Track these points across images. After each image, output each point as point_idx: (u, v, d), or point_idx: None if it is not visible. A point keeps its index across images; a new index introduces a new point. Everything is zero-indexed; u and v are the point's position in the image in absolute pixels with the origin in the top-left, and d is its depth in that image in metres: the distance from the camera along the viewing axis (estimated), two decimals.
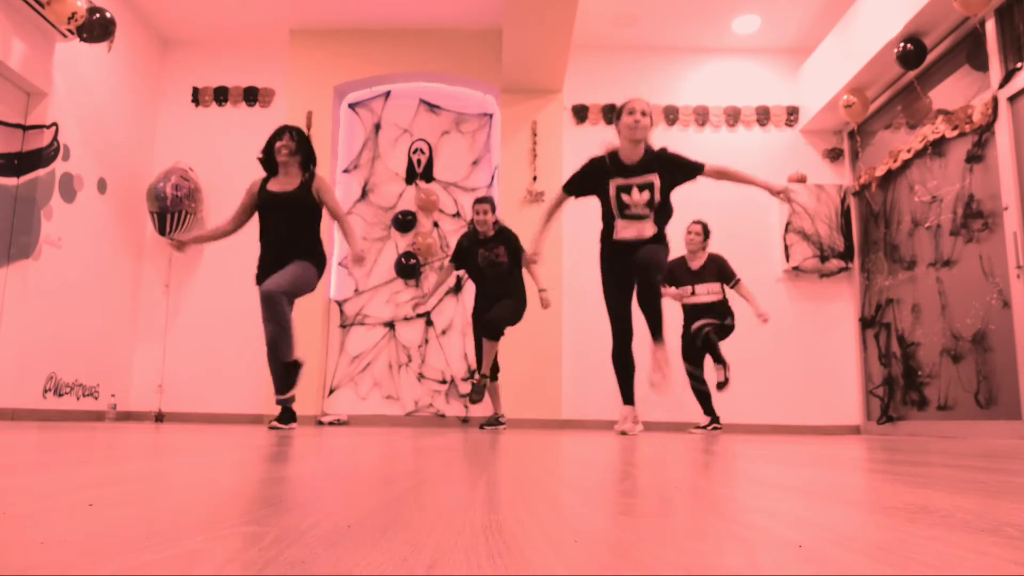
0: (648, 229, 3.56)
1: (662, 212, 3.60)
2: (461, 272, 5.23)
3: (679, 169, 3.62)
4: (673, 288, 5.03)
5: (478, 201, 4.78)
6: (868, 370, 5.91)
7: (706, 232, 5.07)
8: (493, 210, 4.78)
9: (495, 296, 4.66)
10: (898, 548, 0.52)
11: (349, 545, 0.49)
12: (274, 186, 3.85)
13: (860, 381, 5.99)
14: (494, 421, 4.86)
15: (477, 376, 4.61)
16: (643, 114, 3.52)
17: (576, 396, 5.93)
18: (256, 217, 3.92)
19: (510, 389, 5.65)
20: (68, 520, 0.58)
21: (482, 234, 4.75)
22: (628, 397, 3.71)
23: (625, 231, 3.58)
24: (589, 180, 3.67)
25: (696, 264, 5.04)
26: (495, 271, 4.69)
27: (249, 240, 4.01)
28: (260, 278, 3.77)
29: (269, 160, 3.88)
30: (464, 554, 0.47)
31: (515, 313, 4.64)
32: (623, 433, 3.62)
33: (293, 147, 3.81)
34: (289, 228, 3.79)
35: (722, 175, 3.73)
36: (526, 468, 1.29)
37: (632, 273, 3.55)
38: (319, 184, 3.89)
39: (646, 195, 3.54)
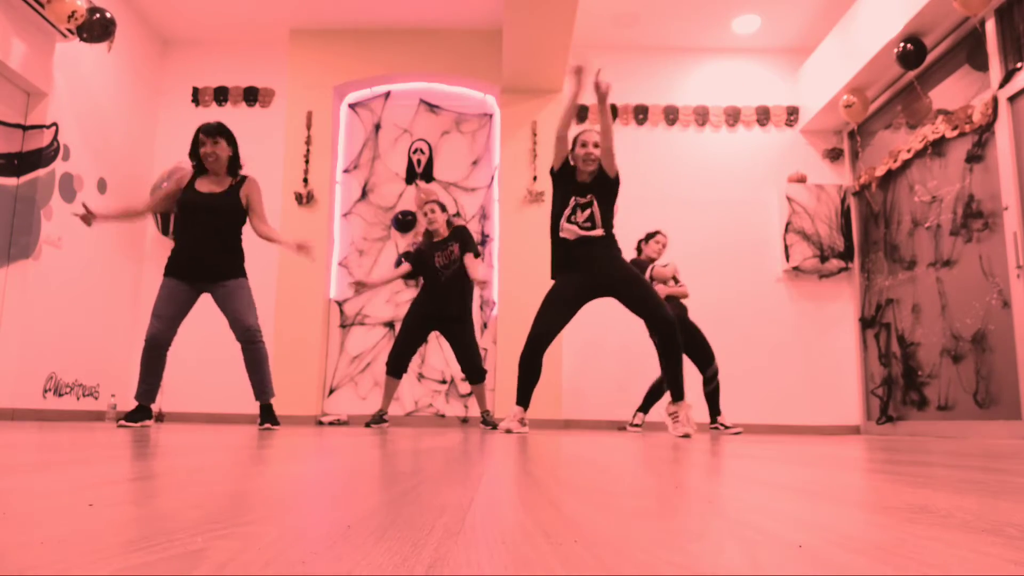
0: (592, 232, 3.72)
1: (607, 219, 3.77)
2: (417, 279, 5.09)
3: (611, 187, 3.80)
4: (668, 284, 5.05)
5: (424, 203, 4.89)
6: (868, 370, 5.91)
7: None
8: (443, 209, 4.86)
9: (448, 295, 4.71)
10: (898, 548, 0.52)
11: (349, 545, 0.50)
12: (202, 186, 3.75)
13: (860, 381, 5.99)
14: (489, 422, 4.82)
15: (485, 416, 4.83)
16: (595, 146, 3.78)
17: (576, 396, 5.93)
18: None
19: (510, 389, 5.65)
20: (68, 520, 0.58)
21: (437, 236, 4.81)
22: (524, 399, 3.74)
23: (566, 232, 3.74)
24: (564, 176, 3.83)
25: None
26: (451, 269, 4.73)
27: (252, 241, 3.99)
28: (178, 272, 3.69)
29: (199, 161, 3.79)
30: (464, 554, 0.47)
31: (475, 341, 4.80)
32: (508, 431, 3.63)
33: (223, 158, 3.73)
34: (212, 232, 3.71)
35: (603, 137, 3.71)
36: (526, 468, 1.29)
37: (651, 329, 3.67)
38: (249, 188, 3.80)
39: (588, 212, 3.76)
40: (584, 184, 3.79)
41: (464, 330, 4.75)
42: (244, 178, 3.83)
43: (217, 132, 3.72)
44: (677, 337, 3.60)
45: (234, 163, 3.81)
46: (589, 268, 3.69)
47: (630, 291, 3.65)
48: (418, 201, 6.28)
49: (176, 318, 3.70)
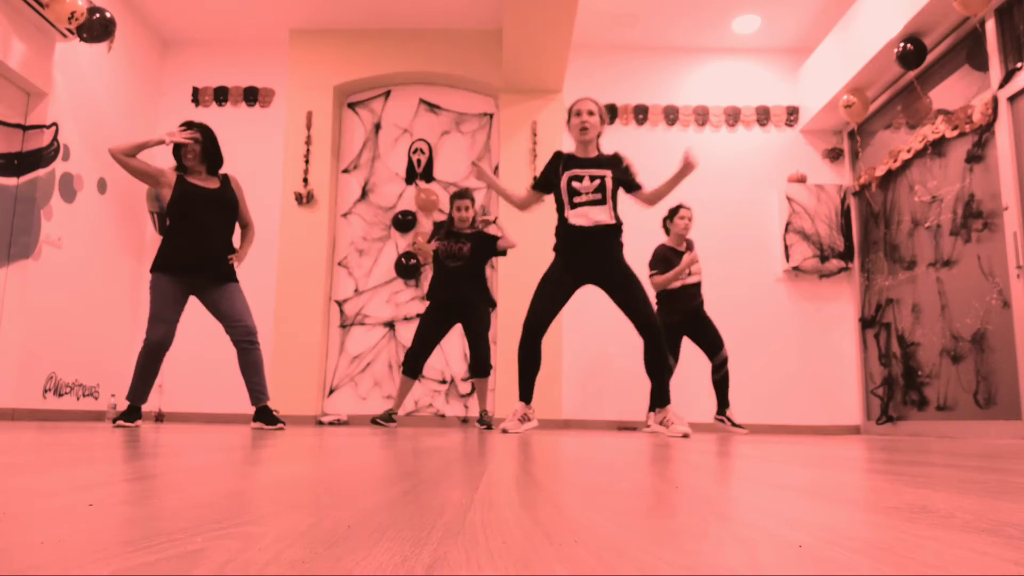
0: (602, 214, 3.56)
1: (615, 202, 3.63)
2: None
3: (625, 176, 3.69)
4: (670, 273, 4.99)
5: (458, 196, 4.82)
6: (868, 370, 5.91)
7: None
8: (473, 205, 4.84)
9: (456, 283, 4.70)
10: (898, 548, 0.52)
11: (349, 545, 0.50)
12: (196, 180, 3.71)
13: (860, 381, 5.99)
14: (486, 421, 4.81)
15: (482, 415, 4.82)
16: (590, 113, 3.62)
17: (576, 396, 5.93)
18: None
19: (510, 389, 5.65)
20: (68, 520, 0.58)
21: (458, 228, 4.80)
22: (526, 393, 3.66)
23: (577, 219, 3.58)
24: (550, 174, 3.72)
25: (683, 247, 5.01)
26: (453, 263, 4.72)
27: (253, 244, 4.00)
28: (175, 267, 3.60)
29: (177, 156, 3.72)
30: (464, 554, 0.47)
31: (487, 331, 4.75)
32: (504, 432, 3.55)
33: (199, 152, 3.68)
34: (215, 228, 3.69)
35: (653, 197, 3.73)
36: (526, 468, 1.29)
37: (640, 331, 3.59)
38: (238, 189, 3.84)
39: (596, 183, 3.58)
40: (586, 160, 3.65)
41: (479, 319, 4.71)
42: (228, 176, 3.86)
43: (189, 127, 3.70)
44: (663, 344, 3.57)
45: (211, 158, 3.77)
46: (594, 256, 3.61)
47: (625, 293, 3.59)
48: (419, 201, 6.28)
49: (177, 319, 3.69)
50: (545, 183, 3.75)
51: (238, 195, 3.84)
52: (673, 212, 5.02)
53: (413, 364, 4.71)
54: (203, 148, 3.71)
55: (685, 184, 6.21)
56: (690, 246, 5.01)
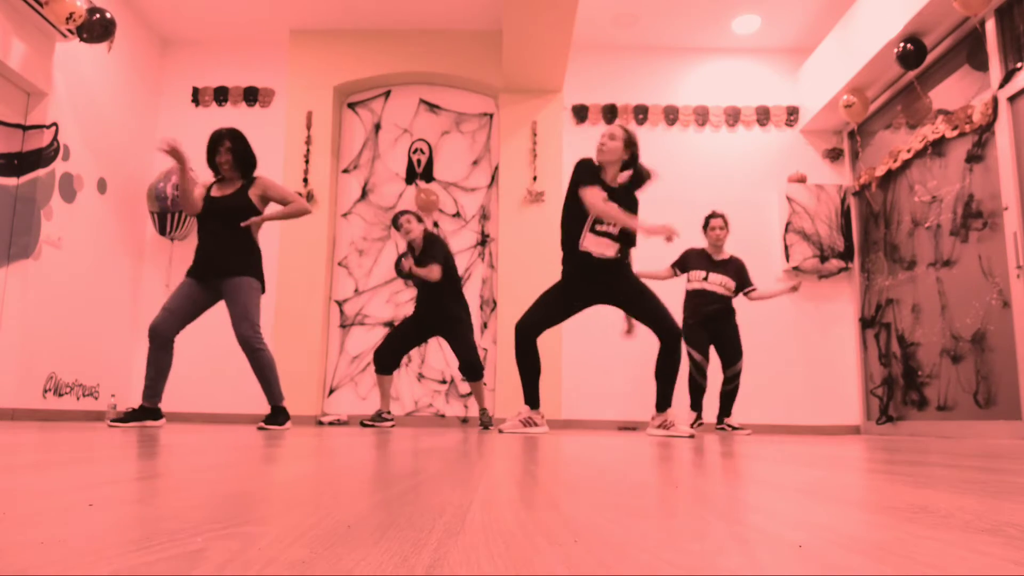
0: (612, 251, 3.56)
1: (627, 243, 3.62)
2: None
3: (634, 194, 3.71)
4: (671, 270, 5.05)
5: (400, 214, 4.84)
6: (868, 370, 5.91)
7: (726, 223, 5.04)
8: (419, 220, 4.83)
9: (428, 298, 4.74)
10: (898, 548, 0.52)
11: (349, 545, 0.50)
12: (215, 191, 3.84)
13: (860, 381, 5.99)
14: (484, 421, 4.81)
15: (482, 415, 4.82)
16: (611, 137, 3.58)
17: (576, 396, 5.93)
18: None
19: (510, 389, 5.65)
20: (68, 520, 0.58)
21: (416, 247, 4.82)
22: (531, 397, 3.63)
23: (591, 245, 3.55)
24: (594, 175, 3.60)
25: (718, 257, 5.01)
26: (414, 279, 4.77)
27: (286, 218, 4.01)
28: (193, 271, 3.76)
29: (215, 168, 3.84)
30: (464, 554, 0.47)
31: (469, 340, 4.71)
32: (500, 432, 3.54)
33: (231, 160, 3.77)
34: (219, 231, 3.76)
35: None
36: (526, 468, 1.29)
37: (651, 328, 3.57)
38: (260, 188, 3.83)
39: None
40: (611, 188, 3.58)
41: (456, 327, 4.71)
42: (254, 179, 3.85)
43: (220, 139, 3.78)
44: (679, 349, 3.54)
45: (244, 163, 3.82)
46: (604, 283, 3.61)
47: (639, 305, 3.58)
48: (419, 201, 6.28)
49: (184, 314, 3.71)
50: (593, 177, 3.57)
51: (261, 192, 3.83)
52: (705, 222, 5.05)
53: (379, 361, 4.72)
54: (234, 156, 3.79)
55: (685, 185, 6.28)
56: (739, 270, 5.01)
